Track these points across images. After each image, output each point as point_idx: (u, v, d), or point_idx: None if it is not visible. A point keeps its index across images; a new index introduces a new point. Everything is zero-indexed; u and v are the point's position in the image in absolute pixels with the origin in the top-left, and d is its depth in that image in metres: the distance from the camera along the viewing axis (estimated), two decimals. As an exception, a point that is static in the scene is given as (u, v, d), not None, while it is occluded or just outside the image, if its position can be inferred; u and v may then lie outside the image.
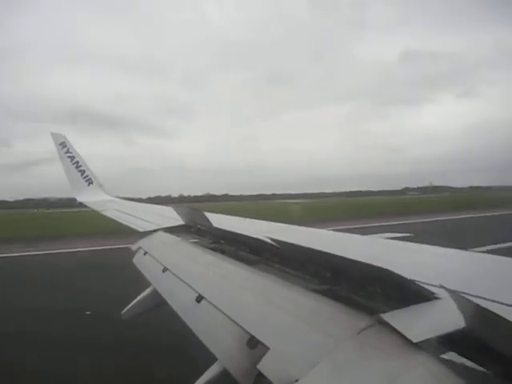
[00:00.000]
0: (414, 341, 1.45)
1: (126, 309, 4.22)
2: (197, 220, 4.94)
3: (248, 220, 6.14)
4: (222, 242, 4.15)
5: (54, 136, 10.95)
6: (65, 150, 10.83)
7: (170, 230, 5.39)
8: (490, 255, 2.55)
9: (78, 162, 10.94)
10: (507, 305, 1.67)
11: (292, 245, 2.60)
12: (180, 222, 5.41)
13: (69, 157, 10.85)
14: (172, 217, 5.85)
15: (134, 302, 4.19)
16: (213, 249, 3.95)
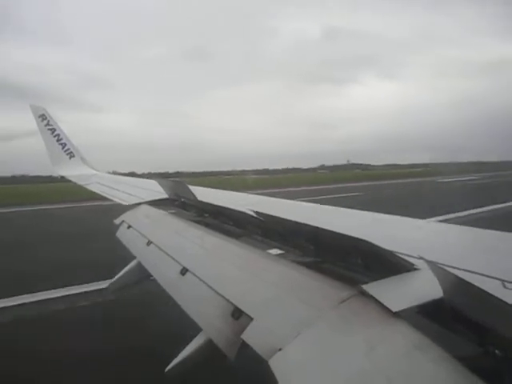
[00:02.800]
0: (394, 310, 1.49)
1: (111, 281, 4.23)
2: (181, 193, 4.92)
3: (232, 193, 6.14)
4: (206, 215, 4.16)
5: (34, 108, 10.64)
6: (45, 122, 10.54)
7: (154, 203, 5.36)
8: (469, 227, 2.60)
9: (58, 134, 10.67)
10: (484, 275, 1.71)
11: (276, 217, 2.61)
12: (164, 195, 5.38)
13: (49, 129, 10.56)
14: (156, 190, 5.81)
15: (119, 275, 4.19)
16: (197, 222, 3.95)
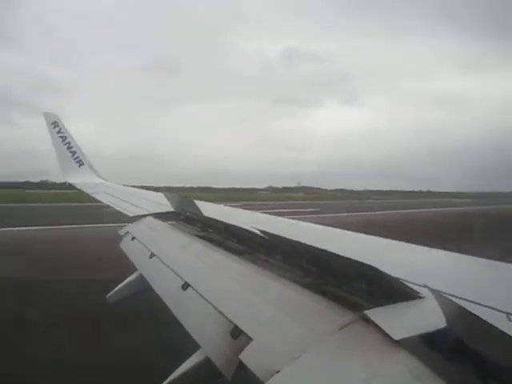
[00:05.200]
0: (396, 338, 1.47)
1: (111, 293, 4.21)
2: (186, 207, 4.93)
3: (238, 210, 6.15)
4: (211, 230, 4.15)
5: (46, 115, 10.78)
6: (56, 129, 10.66)
7: (159, 216, 5.37)
8: (475, 258, 2.57)
9: (69, 142, 10.78)
10: (488, 307, 1.69)
11: (280, 237, 2.60)
12: (169, 208, 5.39)
13: (60, 137, 10.68)
14: (162, 203, 5.82)
15: (120, 286, 4.18)
16: (201, 237, 3.95)
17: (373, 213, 40.41)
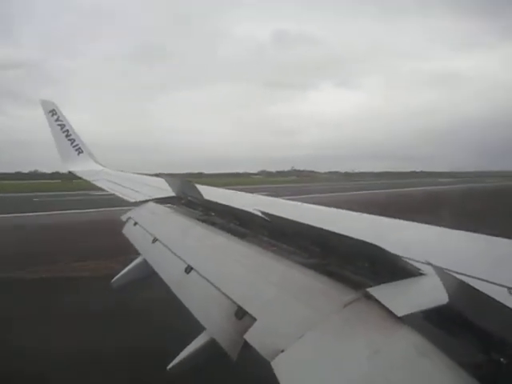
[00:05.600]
0: (399, 315, 1.48)
1: (115, 278, 4.24)
2: (188, 192, 4.93)
3: (239, 193, 6.14)
4: (213, 214, 4.16)
5: (44, 103, 10.66)
6: (55, 117, 10.55)
7: (161, 201, 5.37)
8: (476, 234, 2.58)
9: (67, 130, 10.68)
10: (490, 282, 1.70)
11: (282, 218, 2.61)
12: (171, 193, 5.39)
13: (59, 125, 10.57)
14: (163, 188, 5.82)
15: (124, 271, 4.20)
16: (203, 221, 3.95)
17: (335, 194, 41.08)
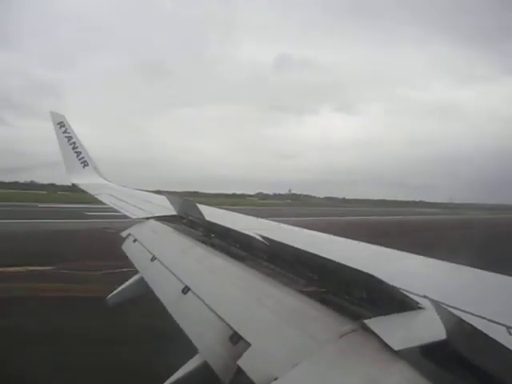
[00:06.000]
0: (396, 349, 1.47)
1: (111, 294, 4.22)
2: (189, 211, 4.94)
3: (240, 215, 6.15)
4: (213, 235, 4.16)
5: (53, 115, 10.80)
6: (62, 129, 10.67)
7: (162, 219, 5.38)
8: (475, 269, 2.57)
9: (74, 142, 10.78)
10: (489, 320, 1.68)
11: (282, 244, 2.60)
12: (172, 211, 5.40)
13: (66, 137, 10.68)
14: (164, 206, 5.83)
15: (120, 288, 4.18)
16: (203, 241, 3.95)
17: (317, 218, 42.44)
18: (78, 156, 10.87)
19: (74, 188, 10.84)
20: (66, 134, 10.77)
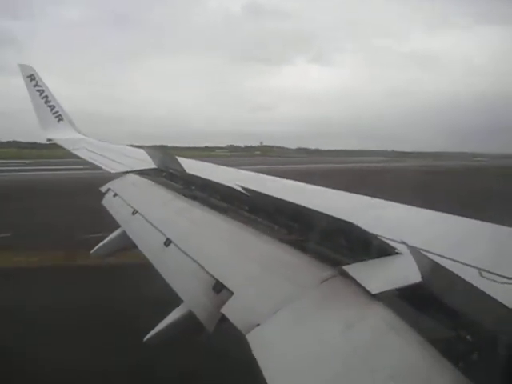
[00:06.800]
0: (373, 292, 1.52)
1: (95, 248, 4.23)
2: (169, 164, 4.89)
3: (220, 167, 6.12)
4: (194, 187, 4.14)
5: (22, 67, 10.28)
6: (33, 83, 10.21)
7: (142, 172, 5.32)
8: (450, 215, 2.63)
9: (47, 96, 10.36)
10: (463, 263, 1.74)
11: (262, 194, 2.62)
12: (152, 165, 5.34)
13: (38, 90, 10.25)
14: (144, 160, 5.76)
15: (103, 242, 4.19)
16: (184, 194, 3.94)
17: (275, 166, 44.08)
18: (51, 110, 10.46)
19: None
20: (38, 88, 10.31)
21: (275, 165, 47.49)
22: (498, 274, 1.62)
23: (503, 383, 1.27)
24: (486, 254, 1.91)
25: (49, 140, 10.30)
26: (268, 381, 1.35)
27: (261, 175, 5.21)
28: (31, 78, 10.27)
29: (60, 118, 10.56)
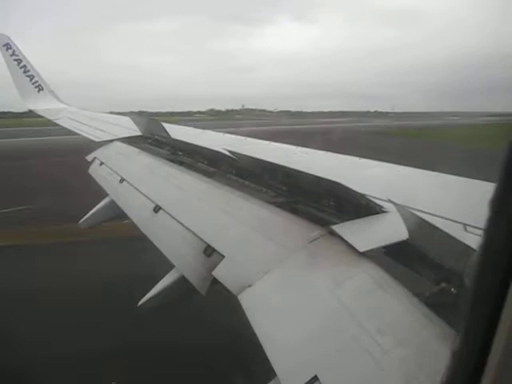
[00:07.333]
0: (361, 250, 1.55)
1: (83, 219, 4.22)
2: (155, 131, 4.83)
3: (207, 132, 6.07)
4: (181, 153, 4.11)
5: None
6: (10, 51, 9.87)
7: (127, 140, 5.26)
8: (435, 173, 2.66)
9: (25, 66, 10.05)
10: (448, 219, 1.77)
11: (250, 158, 2.61)
12: (137, 132, 5.27)
13: (15, 60, 9.93)
14: (128, 127, 5.68)
15: (92, 212, 4.17)
16: (171, 160, 3.91)
17: (253, 128, 39.98)
18: (31, 80, 10.18)
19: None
20: (15, 57, 9.97)
21: (243, 127, 47.82)
22: (482, 228, 1.65)
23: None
24: (470, 209, 1.94)
25: (30, 110, 10.09)
26: (261, 339, 1.38)
27: (248, 139, 5.18)
28: (7, 46, 9.92)
29: (40, 88, 10.32)
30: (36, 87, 10.29)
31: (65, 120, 8.39)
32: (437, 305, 1.28)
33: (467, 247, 1.24)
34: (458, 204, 2.07)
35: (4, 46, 9.90)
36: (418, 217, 1.44)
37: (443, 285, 1.42)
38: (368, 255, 1.54)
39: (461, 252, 1.28)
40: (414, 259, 1.57)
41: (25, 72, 10.12)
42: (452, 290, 1.39)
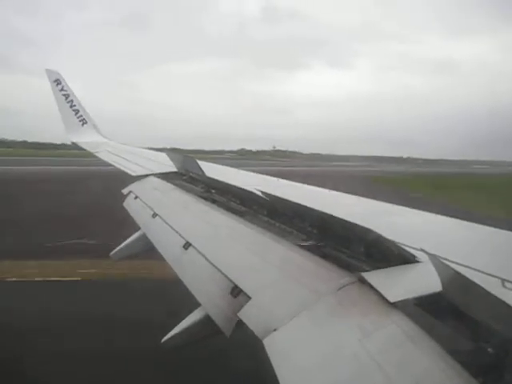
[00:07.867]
0: (392, 301, 1.50)
1: (114, 251, 4.29)
2: (189, 168, 4.93)
3: (240, 171, 6.14)
4: (213, 191, 4.17)
5: (49, 72, 10.54)
6: (59, 87, 10.46)
7: (162, 175, 5.38)
8: (471, 223, 2.59)
9: (72, 100, 10.59)
10: (484, 273, 1.71)
11: (281, 199, 2.61)
12: (173, 168, 5.39)
13: (63, 95, 10.48)
14: (165, 163, 5.83)
15: (123, 244, 4.24)
16: (204, 197, 3.96)
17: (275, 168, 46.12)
18: (76, 114, 10.69)
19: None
20: (63, 92, 10.54)
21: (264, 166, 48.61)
22: None
23: None
24: (509, 264, 1.87)
25: (73, 143, 10.50)
26: None
27: (281, 180, 5.22)
28: (57, 82, 10.51)
29: (84, 122, 10.79)
30: (80, 121, 10.78)
31: (104, 153, 8.68)
32: (471, 364, 1.21)
33: (505, 304, 1.18)
34: (495, 257, 2.00)
35: (54, 81, 10.46)
36: (452, 269, 1.40)
37: (478, 343, 1.35)
38: (399, 306, 1.49)
39: (498, 309, 1.22)
40: (448, 313, 1.51)
41: (71, 106, 10.63)
42: (488, 349, 1.32)
